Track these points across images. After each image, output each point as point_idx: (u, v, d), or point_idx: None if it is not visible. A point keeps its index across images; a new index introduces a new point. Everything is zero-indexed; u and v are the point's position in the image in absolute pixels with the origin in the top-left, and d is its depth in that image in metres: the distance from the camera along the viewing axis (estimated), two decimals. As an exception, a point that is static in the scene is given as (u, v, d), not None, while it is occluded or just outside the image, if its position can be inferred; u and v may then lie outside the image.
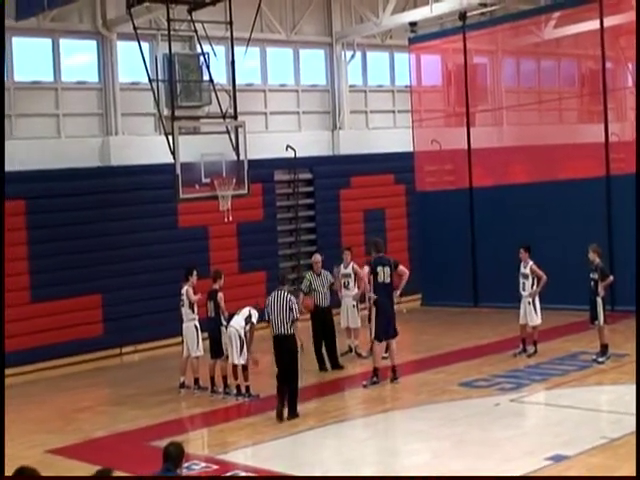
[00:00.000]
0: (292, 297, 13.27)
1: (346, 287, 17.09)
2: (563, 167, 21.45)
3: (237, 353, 14.16)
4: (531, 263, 16.08)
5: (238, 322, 14.27)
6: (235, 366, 14.35)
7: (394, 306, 15.01)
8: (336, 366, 16.12)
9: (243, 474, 10.74)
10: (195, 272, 15.21)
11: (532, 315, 16.09)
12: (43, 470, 6.70)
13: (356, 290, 16.96)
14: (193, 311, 15.12)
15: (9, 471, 6.93)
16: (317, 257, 16.73)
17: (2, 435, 6.47)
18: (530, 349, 16.08)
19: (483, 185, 22.26)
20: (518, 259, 16.17)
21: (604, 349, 15.24)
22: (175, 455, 7.30)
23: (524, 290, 16.13)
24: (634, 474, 8.10)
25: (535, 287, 16.04)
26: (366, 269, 15.13)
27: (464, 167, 22.60)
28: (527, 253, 16.14)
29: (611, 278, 15.40)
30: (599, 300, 15.19)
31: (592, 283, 15.29)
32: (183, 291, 15.15)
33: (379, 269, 14.72)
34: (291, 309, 13.06)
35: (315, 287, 16.26)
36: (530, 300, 16.07)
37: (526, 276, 16.09)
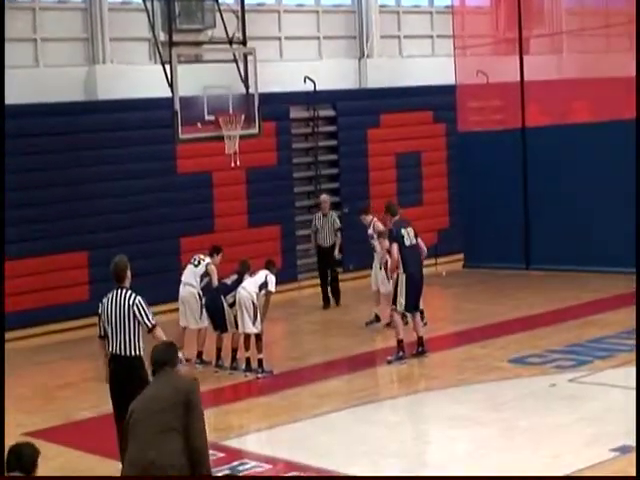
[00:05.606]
0: (138, 298, 10.13)
1: (373, 250, 17.43)
2: (633, 104, 21.20)
3: (250, 321, 14.17)
4: None
5: (251, 287, 14.30)
6: (247, 336, 14.39)
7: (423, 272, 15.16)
8: (338, 302, 19.31)
9: (253, 464, 10.76)
10: (221, 253, 15.45)
11: None
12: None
13: (381, 251, 17.03)
14: (201, 280, 15.20)
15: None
16: (324, 197, 19.84)
17: (2, 436, 6.45)
18: None
19: (538, 125, 22.11)
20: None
21: None
22: None
23: None
24: None
25: None
26: (386, 243, 15.46)
27: (516, 103, 22.41)
28: None
29: None
30: None
31: None
32: (207, 262, 15.19)
33: (403, 232, 14.86)
34: (136, 315, 10.03)
35: (320, 227, 19.21)
36: None
37: None
